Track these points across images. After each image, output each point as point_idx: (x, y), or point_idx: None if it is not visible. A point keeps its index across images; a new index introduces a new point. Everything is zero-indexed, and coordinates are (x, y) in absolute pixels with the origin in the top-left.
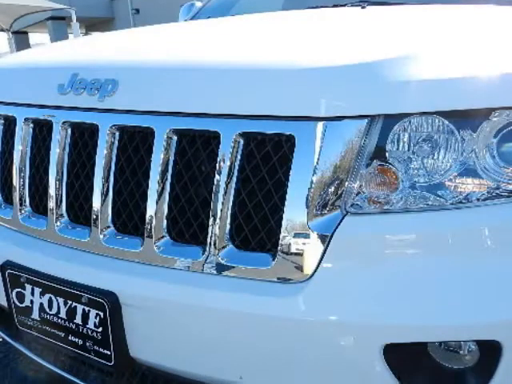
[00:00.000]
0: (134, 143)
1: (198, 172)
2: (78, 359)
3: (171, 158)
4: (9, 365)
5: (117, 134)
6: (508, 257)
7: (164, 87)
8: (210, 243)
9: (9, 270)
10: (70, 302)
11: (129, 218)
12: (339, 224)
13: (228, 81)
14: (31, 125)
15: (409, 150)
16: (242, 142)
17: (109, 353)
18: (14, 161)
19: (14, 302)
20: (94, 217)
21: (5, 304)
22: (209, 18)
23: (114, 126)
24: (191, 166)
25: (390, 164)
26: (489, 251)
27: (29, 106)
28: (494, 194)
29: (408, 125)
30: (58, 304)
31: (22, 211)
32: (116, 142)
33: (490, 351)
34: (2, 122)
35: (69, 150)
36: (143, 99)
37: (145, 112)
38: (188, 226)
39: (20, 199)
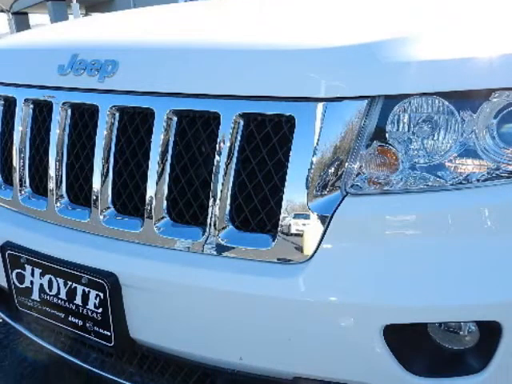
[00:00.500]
0: (134, 124)
1: (197, 153)
2: (78, 340)
3: (171, 139)
4: (9, 346)
5: (117, 114)
6: (508, 238)
7: (164, 68)
8: (210, 224)
9: (9, 251)
10: (69, 283)
11: (129, 199)
12: (339, 205)
13: (228, 61)
14: (31, 105)
15: (409, 130)
16: (241, 122)
17: (109, 334)
18: (14, 142)
19: (14, 282)
20: (94, 198)
21: (5, 285)
22: None
23: (113, 106)
24: (191, 146)
25: (390, 145)
26: (489, 232)
27: (29, 86)
28: (493, 175)
29: (408, 106)
30: (58, 285)
31: (22, 192)
32: (116, 123)
33: (489, 332)
34: (2, 102)
35: (69, 130)
36: (143, 80)
37: (145, 93)
38: (188, 207)
39: (20, 180)
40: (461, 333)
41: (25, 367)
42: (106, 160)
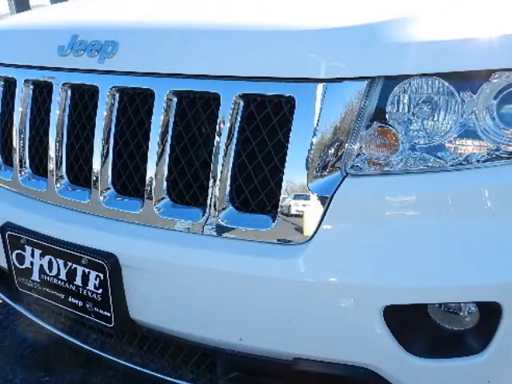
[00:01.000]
0: (134, 105)
1: (198, 134)
2: (78, 321)
3: (171, 120)
4: (9, 326)
5: (117, 95)
6: (508, 218)
7: (164, 49)
8: (210, 205)
9: (9, 232)
10: (69, 264)
11: (129, 180)
12: (339, 186)
13: (228, 42)
14: (31, 86)
15: (409, 111)
16: (241, 103)
17: (109, 314)
18: (14, 122)
19: (14, 263)
20: (94, 178)
21: (5, 266)
22: None
23: (113, 87)
24: (191, 127)
25: (389, 126)
26: (489, 213)
27: (29, 67)
28: (493, 156)
29: (408, 86)
30: (58, 266)
31: (22, 173)
32: (116, 104)
33: (489, 313)
34: (2, 83)
35: (69, 111)
36: (143, 61)
37: (145, 74)
38: (188, 188)
39: (20, 161)
40: (461, 314)
41: (25, 348)
42: (106, 141)
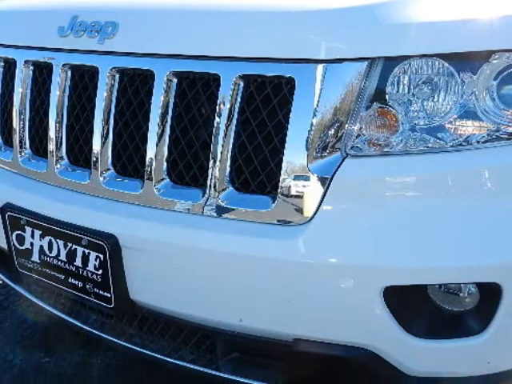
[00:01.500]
0: (134, 86)
1: (198, 114)
2: (78, 302)
3: (171, 101)
4: (9, 307)
5: (117, 76)
6: (508, 199)
7: (164, 29)
8: (210, 185)
9: (9, 213)
10: (69, 245)
11: (129, 161)
12: (339, 166)
13: (229, 23)
14: (31, 67)
15: (409, 92)
16: (242, 84)
17: (109, 295)
18: (14, 103)
19: (14, 244)
20: (94, 159)
21: (5, 246)
22: None
23: (113, 68)
24: (191, 108)
25: (390, 106)
26: (489, 193)
27: (29, 48)
28: (493, 137)
29: (408, 67)
30: (58, 246)
31: (22, 153)
32: (116, 85)
33: (489, 294)
34: (2, 64)
35: (69, 92)
36: (143, 41)
37: (145, 54)
38: (188, 169)
39: (20, 141)
40: (461, 294)
41: (25, 329)
42: (106, 122)
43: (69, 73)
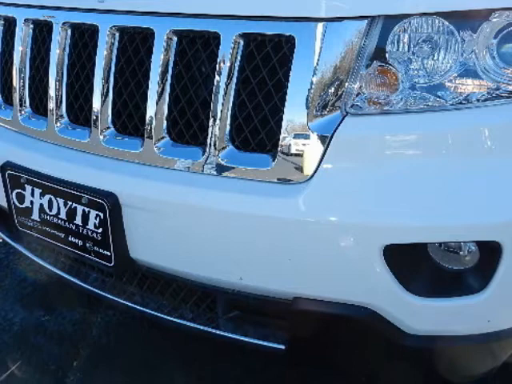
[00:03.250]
0: (134, 44)
1: (197, 73)
2: (78, 260)
3: (171, 59)
4: (9, 265)
5: (117, 35)
6: (508, 158)
7: None
8: (210, 144)
9: (9, 171)
10: (69, 203)
11: (129, 119)
12: (339, 125)
13: None
14: (31, 26)
15: (409, 50)
16: (242, 42)
17: (109, 254)
18: (14, 62)
19: (14, 202)
20: (94, 118)
21: (5, 205)
22: None
23: (113, 26)
24: (191, 67)
25: (390, 65)
26: (489, 152)
27: (28, 6)
28: (493, 95)
29: (408, 26)
30: (58, 205)
31: (22, 112)
32: (116, 43)
33: (489, 252)
34: (2, 22)
35: (69, 50)
36: (143, 0)
37: (145, 13)
38: (188, 127)
39: (20, 100)
40: (461, 253)
41: (25, 287)
42: (106, 80)
43: (69, 31)
